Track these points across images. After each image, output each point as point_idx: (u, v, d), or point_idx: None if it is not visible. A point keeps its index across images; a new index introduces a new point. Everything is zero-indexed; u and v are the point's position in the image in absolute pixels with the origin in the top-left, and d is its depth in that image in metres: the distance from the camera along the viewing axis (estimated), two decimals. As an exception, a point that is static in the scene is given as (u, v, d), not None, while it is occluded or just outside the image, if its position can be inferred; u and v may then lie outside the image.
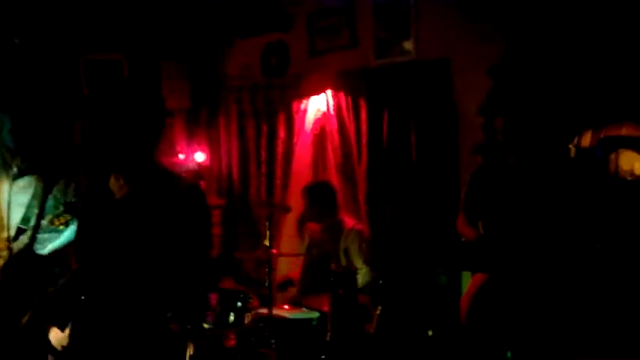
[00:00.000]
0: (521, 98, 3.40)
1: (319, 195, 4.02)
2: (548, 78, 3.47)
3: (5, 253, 2.81)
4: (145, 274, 1.91)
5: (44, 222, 2.65)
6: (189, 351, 1.76)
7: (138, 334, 1.87)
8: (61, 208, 2.45)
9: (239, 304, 3.61)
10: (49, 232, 2.68)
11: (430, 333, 1.35)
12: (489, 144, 3.47)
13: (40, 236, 2.73)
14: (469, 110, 3.96)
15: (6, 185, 2.87)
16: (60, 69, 4.52)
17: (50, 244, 2.82)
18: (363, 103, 4.45)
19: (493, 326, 2.39)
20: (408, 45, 4.31)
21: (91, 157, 2.03)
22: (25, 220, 2.80)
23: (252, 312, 3.41)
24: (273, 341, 3.30)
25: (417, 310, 2.56)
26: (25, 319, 2.06)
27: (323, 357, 1.25)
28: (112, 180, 2.00)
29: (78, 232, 2.15)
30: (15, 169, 2.94)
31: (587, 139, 2.86)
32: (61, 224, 2.52)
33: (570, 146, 2.92)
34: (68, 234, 2.85)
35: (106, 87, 1.99)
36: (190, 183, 2.13)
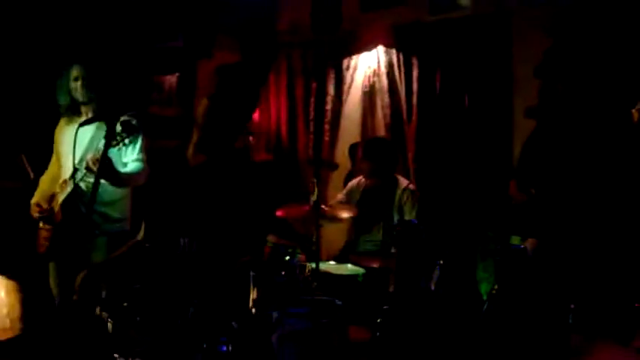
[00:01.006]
0: (582, 60, 3.29)
1: (379, 151, 3.99)
2: (611, 40, 3.32)
3: (69, 189, 2.95)
4: (215, 226, 1.97)
5: (100, 148, 2.71)
6: (253, 295, 1.82)
7: (211, 279, 1.95)
8: (118, 128, 2.52)
9: (287, 257, 3.68)
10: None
11: (494, 290, 1.38)
12: (545, 107, 3.39)
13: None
14: (524, 71, 3.85)
15: (72, 129, 2.98)
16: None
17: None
18: (415, 61, 4.37)
19: (552, 288, 2.41)
20: (465, 0, 4.18)
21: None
22: (82, 160, 2.89)
23: (308, 267, 3.46)
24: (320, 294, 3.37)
25: (473, 267, 2.57)
26: (81, 275, 2.16)
27: (385, 307, 1.30)
28: (190, 149, 2.06)
29: (154, 196, 2.22)
30: (84, 116, 3.06)
31: (652, 104, 2.76)
32: (117, 144, 2.59)
33: (633, 111, 2.82)
34: (133, 167, 2.97)
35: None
36: (255, 161, 2.17)
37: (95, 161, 2.67)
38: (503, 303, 1.40)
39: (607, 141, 2.87)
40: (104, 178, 2.69)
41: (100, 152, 2.63)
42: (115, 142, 2.55)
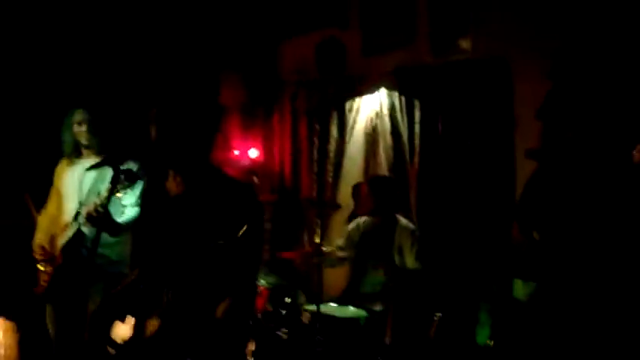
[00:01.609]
0: (582, 101, 3.30)
1: (382, 187, 4.00)
2: (609, 81, 3.34)
3: (70, 233, 2.96)
4: (201, 269, 1.97)
5: (103, 195, 2.73)
6: (251, 347, 1.80)
7: (198, 327, 1.93)
8: (122, 177, 2.54)
9: (288, 299, 3.65)
10: (111, 206, 2.75)
11: (490, 343, 1.34)
12: (546, 149, 3.39)
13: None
14: (525, 113, 3.86)
15: (74, 173, 3.03)
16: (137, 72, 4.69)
17: (117, 218, 2.93)
18: (417, 103, 4.41)
19: (548, 336, 2.35)
20: (465, 43, 4.24)
21: (153, 156, 2.11)
22: (83, 204, 2.91)
23: (309, 310, 3.43)
24: (321, 338, 3.32)
25: (474, 314, 2.52)
26: (94, 308, 2.14)
27: (379, 358, 1.27)
28: (170, 179, 2.07)
29: (137, 227, 2.23)
30: (85, 158, 3.11)
31: (652, 146, 2.74)
32: (118, 192, 2.59)
33: (634, 152, 2.81)
34: (132, 214, 2.95)
35: (167, 90, 2.06)
36: (244, 183, 2.19)
37: (95, 211, 2.69)
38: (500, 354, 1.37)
39: (609, 183, 2.84)
40: (102, 230, 2.71)
41: (101, 200, 2.67)
42: (116, 190, 2.58)
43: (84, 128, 3.07)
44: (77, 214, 2.91)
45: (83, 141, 3.10)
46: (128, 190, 2.65)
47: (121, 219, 2.94)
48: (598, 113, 3.20)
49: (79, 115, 3.09)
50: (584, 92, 3.39)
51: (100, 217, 2.55)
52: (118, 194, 2.64)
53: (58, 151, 3.20)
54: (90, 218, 2.74)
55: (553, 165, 3.11)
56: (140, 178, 2.74)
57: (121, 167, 2.31)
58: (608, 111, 3.21)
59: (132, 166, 2.98)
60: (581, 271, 2.65)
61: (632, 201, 2.70)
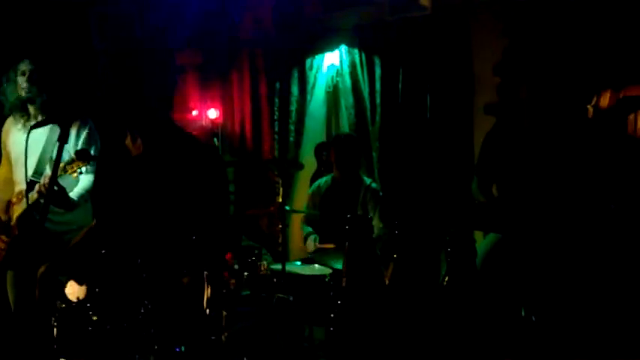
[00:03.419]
0: (539, 57, 3.34)
1: (349, 145, 4.01)
2: (566, 37, 3.39)
3: (23, 204, 2.84)
4: (162, 228, 1.94)
5: (48, 174, 2.63)
6: (207, 294, 1.79)
7: (154, 287, 1.92)
8: (73, 156, 2.42)
9: (252, 259, 3.65)
10: (64, 179, 2.63)
11: (445, 281, 1.39)
12: (504, 105, 3.44)
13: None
14: (484, 69, 3.90)
15: (23, 135, 2.86)
16: (70, 20, 4.48)
17: (70, 192, 2.83)
18: (377, 60, 4.40)
19: (507, 283, 2.43)
20: (424, 0, 4.22)
21: (107, 114, 2.03)
22: (38, 172, 2.82)
23: (263, 265, 3.44)
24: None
25: (431, 261, 2.57)
26: (42, 270, 2.10)
27: (339, 302, 1.29)
28: (128, 138, 2.02)
29: (96, 188, 2.18)
30: (32, 118, 2.94)
31: (605, 100, 2.81)
32: (74, 172, 2.47)
33: (588, 107, 2.88)
34: (87, 183, 2.85)
35: (120, 43, 1.98)
36: (207, 144, 2.14)
37: (45, 187, 2.59)
38: (452, 294, 1.42)
39: (564, 137, 2.92)
40: (56, 206, 2.62)
41: (48, 179, 2.55)
42: (71, 170, 2.45)
43: (25, 79, 2.88)
44: (30, 183, 2.75)
45: (23, 94, 2.89)
46: (83, 171, 2.52)
47: (76, 191, 2.82)
48: (554, 69, 3.25)
49: (23, 65, 2.91)
50: (541, 48, 3.44)
51: (51, 196, 2.44)
52: (74, 175, 2.52)
53: (1, 110, 3.02)
54: (41, 195, 2.64)
55: (510, 120, 3.17)
56: (94, 159, 2.61)
57: (70, 126, 2.15)
58: (564, 66, 3.27)
59: (82, 129, 2.87)
60: (540, 225, 2.73)
61: (587, 155, 2.78)
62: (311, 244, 3.95)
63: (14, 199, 2.93)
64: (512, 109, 3.23)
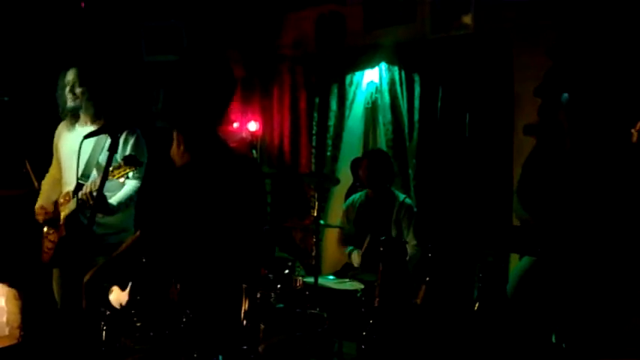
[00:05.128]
0: (581, 80, 3.31)
1: (379, 160, 4.04)
2: (610, 59, 3.35)
3: (70, 204, 2.95)
4: (203, 241, 1.98)
5: (96, 181, 2.72)
6: (244, 306, 1.82)
7: (196, 297, 1.96)
8: (120, 162, 2.50)
9: (286, 272, 3.69)
10: (110, 183, 2.66)
11: (476, 307, 1.38)
12: (544, 126, 3.40)
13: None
14: (525, 90, 3.87)
15: (73, 139, 2.95)
16: (121, 33, 4.63)
17: (113, 196, 2.92)
18: (417, 78, 4.41)
19: (539, 308, 2.40)
20: (467, 19, 4.22)
21: (156, 123, 2.08)
22: (85, 175, 2.91)
23: (299, 279, 3.48)
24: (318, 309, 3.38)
25: (464, 284, 2.55)
26: (87, 277, 2.16)
27: (370, 321, 1.29)
28: (174, 147, 2.06)
29: (140, 197, 2.24)
30: (82, 123, 3.04)
31: (650, 123, 2.77)
32: (121, 176, 2.51)
33: (633, 131, 2.83)
34: (130, 189, 2.96)
35: (179, 55, 2.01)
36: (245, 155, 2.18)
37: (89, 195, 2.67)
38: (484, 318, 1.41)
39: (607, 161, 2.87)
40: (97, 212, 2.69)
41: (94, 186, 2.63)
42: (118, 174, 2.50)
43: (69, 89, 2.98)
44: (79, 185, 2.85)
45: (70, 103, 2.98)
46: (129, 175, 2.55)
47: (117, 197, 2.91)
48: (596, 91, 3.21)
49: (70, 75, 3.00)
50: (583, 70, 3.40)
51: (93, 202, 2.51)
52: (121, 180, 2.58)
53: (57, 115, 3.11)
54: (83, 204, 2.72)
55: (551, 142, 3.13)
56: (142, 165, 2.65)
57: (119, 136, 2.24)
58: (607, 89, 3.23)
59: (130, 137, 2.96)
60: (579, 250, 2.69)
61: (630, 181, 2.73)
62: (356, 258, 3.96)
63: (61, 200, 3.04)
64: (552, 131, 3.19)
